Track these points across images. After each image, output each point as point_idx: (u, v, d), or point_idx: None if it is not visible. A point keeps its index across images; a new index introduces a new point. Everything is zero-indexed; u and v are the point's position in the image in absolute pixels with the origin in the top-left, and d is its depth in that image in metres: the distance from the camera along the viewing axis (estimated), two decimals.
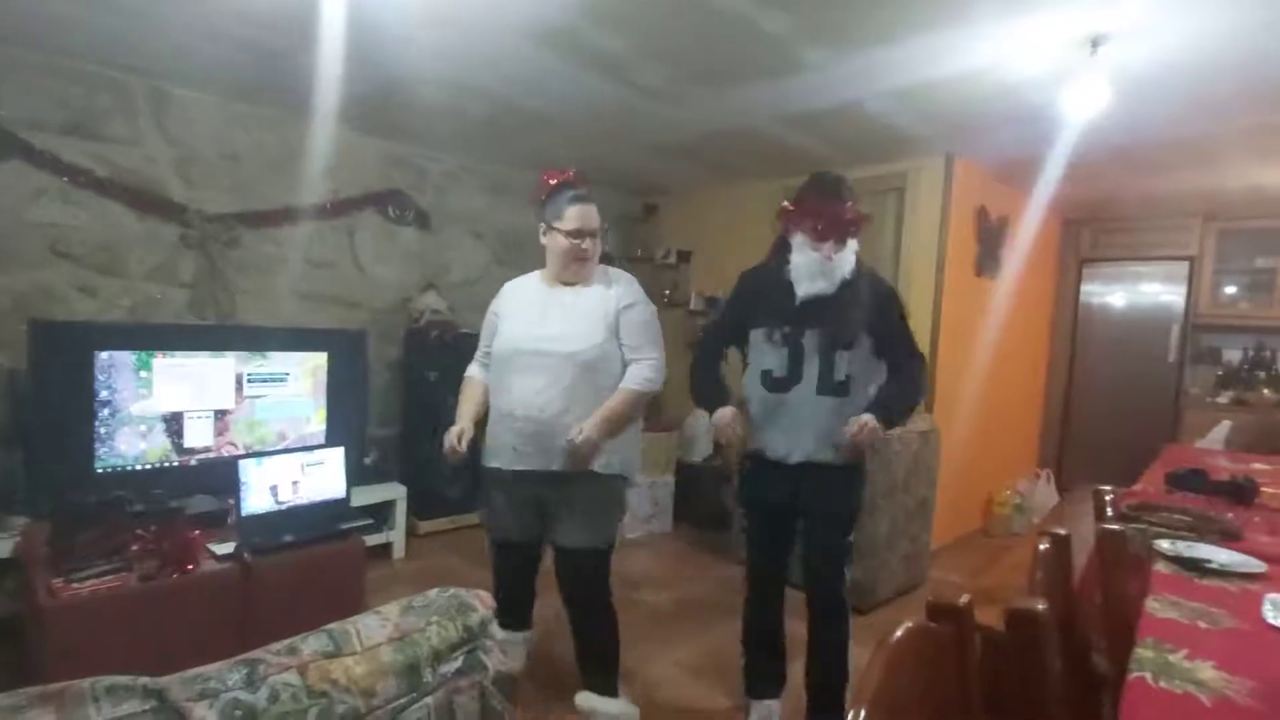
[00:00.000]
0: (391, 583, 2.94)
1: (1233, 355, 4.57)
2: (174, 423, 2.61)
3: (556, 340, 1.84)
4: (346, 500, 2.49)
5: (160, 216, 2.99)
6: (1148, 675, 0.96)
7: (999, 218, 3.96)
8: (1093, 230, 4.88)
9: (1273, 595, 1.25)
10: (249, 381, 2.80)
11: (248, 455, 2.48)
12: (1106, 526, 1.57)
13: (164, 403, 2.58)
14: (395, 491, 3.34)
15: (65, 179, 2.74)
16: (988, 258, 3.91)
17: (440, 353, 3.51)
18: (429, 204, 3.92)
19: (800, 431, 1.87)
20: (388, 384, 3.79)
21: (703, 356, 2.11)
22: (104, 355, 2.44)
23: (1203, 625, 1.15)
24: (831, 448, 1.85)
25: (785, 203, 1.92)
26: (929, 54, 2.27)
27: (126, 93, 2.88)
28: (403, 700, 0.95)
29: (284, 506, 2.30)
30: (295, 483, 2.34)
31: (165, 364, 2.58)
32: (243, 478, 2.22)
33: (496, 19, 2.18)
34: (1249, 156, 3.26)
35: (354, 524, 2.42)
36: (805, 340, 1.87)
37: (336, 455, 2.48)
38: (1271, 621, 1.16)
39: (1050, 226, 4.75)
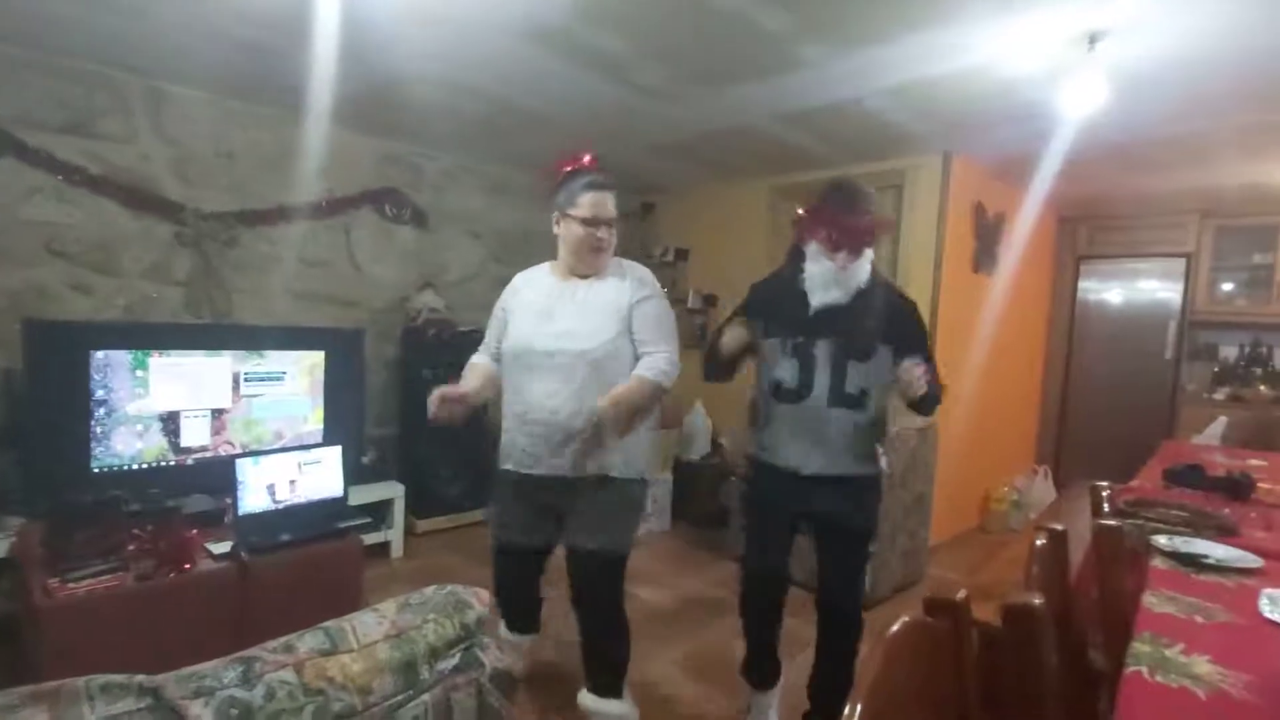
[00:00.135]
0: (389, 581, 2.94)
1: (1229, 352, 4.57)
2: (170, 422, 2.61)
3: (568, 337, 1.77)
4: (344, 499, 2.48)
5: (155, 215, 2.98)
6: (1144, 669, 0.96)
7: (996, 215, 3.96)
8: (1089, 227, 4.89)
9: (1269, 590, 1.25)
10: (246, 380, 2.80)
11: (245, 454, 2.47)
12: (1103, 522, 1.57)
13: (160, 402, 2.58)
14: (393, 490, 3.34)
15: (60, 177, 2.73)
16: (985, 254, 3.92)
17: (438, 351, 3.50)
18: (426, 203, 3.91)
19: (812, 444, 1.83)
20: (385, 383, 3.78)
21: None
22: (100, 354, 2.43)
23: (1199, 620, 1.16)
24: (851, 460, 1.81)
25: (800, 210, 1.87)
26: (926, 51, 2.27)
27: (121, 91, 2.86)
28: (399, 698, 0.95)
29: (281, 505, 2.30)
30: (292, 482, 2.34)
31: (161, 363, 2.57)
32: (240, 477, 2.21)
33: (490, 18, 2.17)
34: (1245, 154, 3.26)
35: (352, 523, 2.42)
36: (817, 350, 1.82)
37: (334, 454, 2.47)
38: (1267, 616, 1.16)
39: (1047, 223, 4.76)
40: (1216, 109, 2.66)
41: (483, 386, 1.91)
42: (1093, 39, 2.08)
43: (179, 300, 3.08)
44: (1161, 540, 1.52)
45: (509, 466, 1.88)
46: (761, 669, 2.02)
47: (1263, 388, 4.30)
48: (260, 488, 2.26)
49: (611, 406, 1.63)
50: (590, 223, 1.79)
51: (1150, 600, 1.23)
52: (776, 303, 1.91)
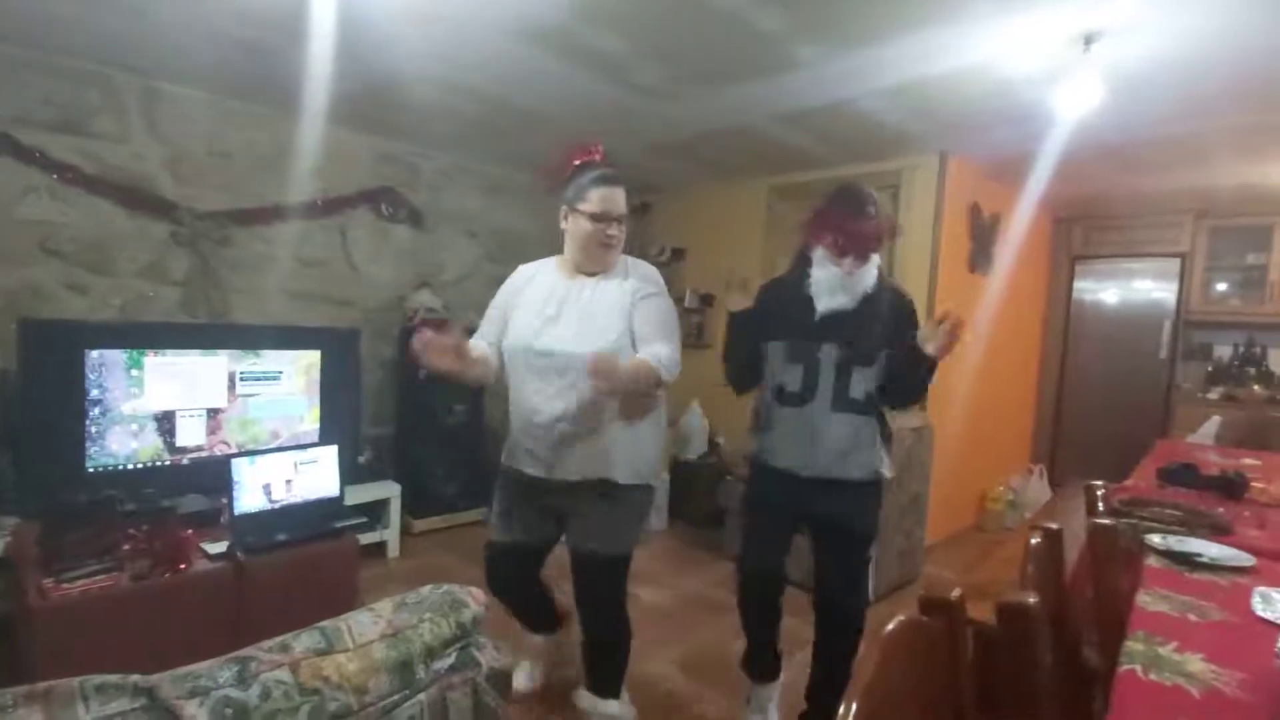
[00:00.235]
0: (385, 581, 2.94)
1: (1223, 351, 4.59)
2: (166, 422, 2.60)
3: (571, 340, 1.72)
4: (340, 499, 2.48)
5: (151, 214, 2.97)
6: (1138, 668, 0.97)
7: (992, 215, 3.98)
8: (1085, 227, 4.90)
9: (1261, 588, 1.26)
10: (241, 380, 2.79)
11: (240, 454, 2.45)
12: (1098, 521, 1.58)
13: (156, 401, 2.57)
14: (389, 490, 3.33)
15: (54, 176, 2.72)
16: (980, 254, 3.93)
17: None
18: (423, 202, 3.90)
19: (814, 448, 1.81)
20: (381, 382, 3.77)
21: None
22: (95, 354, 2.42)
23: (1193, 618, 1.16)
24: (853, 464, 1.81)
25: (806, 214, 1.86)
26: (922, 51, 2.27)
27: (115, 89, 2.85)
28: (395, 697, 0.95)
29: (277, 505, 2.29)
30: (288, 481, 2.33)
31: (157, 363, 2.56)
32: (235, 476, 2.21)
33: (487, 17, 2.17)
34: (1240, 154, 3.28)
35: (348, 522, 2.41)
36: (821, 355, 1.81)
37: (330, 453, 2.47)
38: (1260, 614, 1.17)
39: (1042, 223, 4.78)
40: (1211, 110, 2.67)
41: (480, 360, 1.82)
42: (1088, 39, 2.09)
43: (175, 300, 3.07)
44: (1155, 539, 1.53)
45: (512, 465, 1.86)
46: (761, 663, 2.02)
47: (1256, 387, 4.32)
48: (256, 487, 2.25)
49: (603, 358, 1.54)
50: (600, 218, 1.73)
51: (1144, 599, 1.23)
52: (783, 306, 1.89)
